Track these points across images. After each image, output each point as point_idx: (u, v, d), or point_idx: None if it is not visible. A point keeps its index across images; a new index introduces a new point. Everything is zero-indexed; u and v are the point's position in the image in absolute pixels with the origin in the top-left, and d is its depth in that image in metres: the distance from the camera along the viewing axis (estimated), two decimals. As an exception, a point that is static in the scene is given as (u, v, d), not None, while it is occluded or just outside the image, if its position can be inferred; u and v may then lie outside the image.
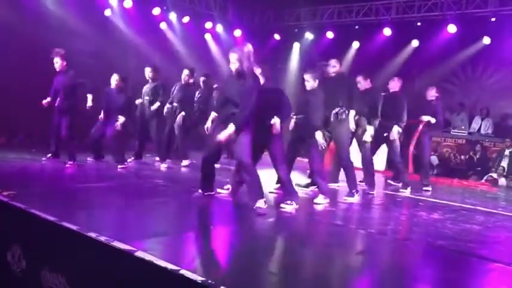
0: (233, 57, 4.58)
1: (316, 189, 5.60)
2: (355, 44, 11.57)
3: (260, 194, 4.63)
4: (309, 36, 11.99)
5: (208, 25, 11.67)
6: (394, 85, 7.01)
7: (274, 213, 4.68)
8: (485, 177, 9.27)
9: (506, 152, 9.30)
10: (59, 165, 6.58)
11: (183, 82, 7.68)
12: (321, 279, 2.94)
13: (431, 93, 7.22)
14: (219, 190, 5.30)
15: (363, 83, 6.58)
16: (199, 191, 5.03)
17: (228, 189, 5.32)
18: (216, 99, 6.04)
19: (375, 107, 6.42)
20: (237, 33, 11.86)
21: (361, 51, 11.38)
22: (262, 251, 3.51)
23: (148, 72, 7.51)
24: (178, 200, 5.17)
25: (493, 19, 9.55)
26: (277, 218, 4.58)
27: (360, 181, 6.47)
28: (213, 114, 4.90)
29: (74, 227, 3.23)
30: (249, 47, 4.67)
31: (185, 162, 7.65)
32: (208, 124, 4.86)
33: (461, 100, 10.88)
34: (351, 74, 7.03)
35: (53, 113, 6.69)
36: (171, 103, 7.60)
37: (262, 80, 5.03)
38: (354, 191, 5.73)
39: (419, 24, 10.46)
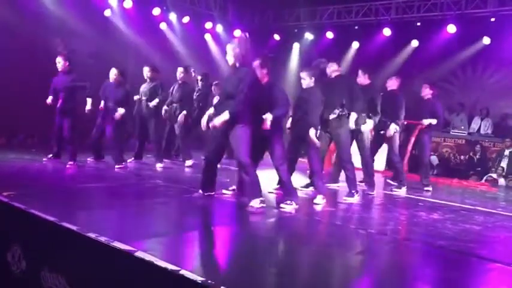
0: (229, 48, 4.67)
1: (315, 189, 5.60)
2: (355, 44, 11.59)
3: (256, 194, 4.64)
4: (308, 36, 12.00)
5: (208, 25, 11.68)
6: (392, 84, 7.02)
7: (274, 213, 4.69)
8: (485, 178, 9.27)
9: (506, 152, 9.30)
10: (59, 165, 6.58)
11: (179, 81, 7.68)
12: (320, 279, 2.94)
13: (426, 91, 7.22)
14: (223, 191, 5.31)
15: (362, 78, 6.60)
16: (199, 191, 5.03)
17: (233, 190, 5.31)
18: (218, 94, 6.02)
19: (374, 103, 6.42)
20: (237, 33, 11.84)
21: (361, 51, 11.39)
22: (262, 251, 3.51)
23: (146, 71, 7.46)
24: (178, 200, 5.16)
25: (493, 19, 9.56)
26: (277, 218, 4.58)
27: (360, 181, 6.47)
28: (211, 110, 4.88)
29: (74, 227, 3.23)
30: (243, 36, 4.70)
31: (189, 163, 7.63)
32: (204, 120, 4.82)
33: (461, 100, 10.89)
34: (351, 74, 7.03)
35: (53, 114, 6.69)
36: (171, 103, 7.60)
37: (262, 72, 5.05)
38: (353, 191, 5.74)
39: (419, 24, 10.46)
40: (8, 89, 8.02)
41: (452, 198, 6.69)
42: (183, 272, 2.58)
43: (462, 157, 10.00)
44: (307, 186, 6.22)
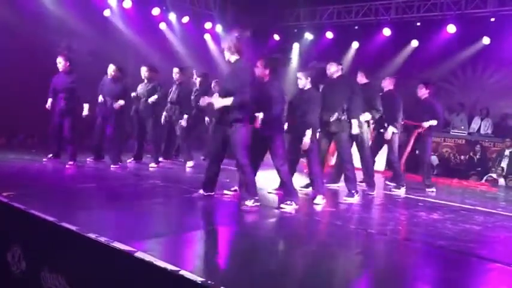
0: (224, 45, 4.74)
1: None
2: (355, 44, 11.59)
3: (252, 194, 4.65)
4: (308, 36, 12.00)
5: (208, 25, 11.67)
6: (388, 84, 7.01)
7: (275, 213, 4.69)
8: (485, 178, 9.27)
9: (507, 152, 9.30)
10: (59, 165, 6.58)
11: (176, 82, 7.68)
12: (321, 279, 2.94)
13: (422, 91, 7.22)
14: (225, 191, 5.31)
15: (359, 77, 6.61)
16: (199, 191, 5.03)
17: (234, 190, 5.31)
18: (218, 92, 6.02)
19: (373, 101, 6.40)
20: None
21: (361, 51, 11.39)
22: (262, 251, 3.50)
23: (144, 71, 7.45)
24: (178, 200, 5.17)
25: (493, 19, 9.56)
26: (278, 218, 4.58)
27: (360, 181, 6.47)
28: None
29: (73, 228, 3.23)
30: (236, 32, 4.73)
31: (190, 164, 7.63)
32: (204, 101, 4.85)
33: (461, 100, 10.88)
34: (350, 74, 7.03)
35: (53, 114, 6.69)
36: (170, 108, 7.59)
37: (264, 72, 5.06)
38: (353, 191, 5.74)
39: (418, 24, 10.47)
40: (8, 89, 8.01)
41: (452, 198, 6.69)
42: (182, 272, 2.58)
43: (462, 157, 10.00)
44: (306, 186, 6.22)
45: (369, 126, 6.53)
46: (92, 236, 3.08)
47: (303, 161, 6.20)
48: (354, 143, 6.33)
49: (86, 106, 6.82)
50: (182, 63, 10.04)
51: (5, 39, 8.28)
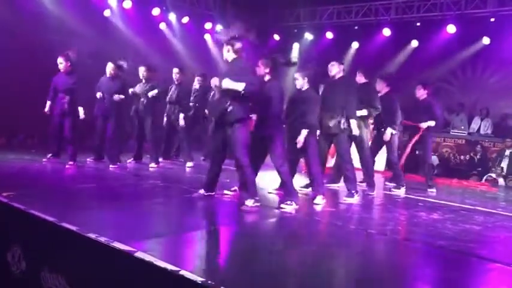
0: (224, 47, 4.76)
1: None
2: (355, 45, 11.59)
3: (252, 194, 4.65)
4: (308, 36, 12.00)
5: (208, 25, 11.67)
6: (381, 87, 6.97)
7: (275, 213, 4.69)
8: (484, 177, 9.27)
9: (507, 152, 9.29)
10: (59, 165, 6.58)
11: (176, 82, 7.68)
12: (321, 279, 2.94)
13: (421, 92, 7.21)
14: (225, 192, 5.31)
15: (358, 77, 6.62)
16: (199, 191, 5.03)
17: (234, 190, 5.31)
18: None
19: (371, 101, 6.40)
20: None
21: (361, 51, 11.39)
22: (262, 251, 3.50)
23: (142, 71, 7.42)
24: (178, 200, 5.17)
25: (493, 19, 9.56)
26: (278, 218, 4.58)
27: (360, 182, 6.47)
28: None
29: (73, 228, 3.23)
30: (236, 32, 4.75)
31: (190, 164, 7.64)
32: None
33: (461, 100, 10.88)
34: (350, 74, 7.02)
35: (52, 114, 6.69)
36: (170, 103, 7.59)
37: (265, 72, 5.06)
38: (353, 191, 5.73)
39: (418, 24, 10.46)
40: (8, 89, 8.01)
41: (452, 198, 6.69)
42: (182, 272, 2.58)
43: (462, 157, 9.99)
44: (306, 186, 6.21)
45: (368, 126, 6.53)
46: (92, 236, 3.08)
47: (303, 161, 6.20)
48: (353, 143, 6.34)
49: (81, 110, 6.77)
50: (182, 63, 10.05)
51: (5, 39, 8.28)
